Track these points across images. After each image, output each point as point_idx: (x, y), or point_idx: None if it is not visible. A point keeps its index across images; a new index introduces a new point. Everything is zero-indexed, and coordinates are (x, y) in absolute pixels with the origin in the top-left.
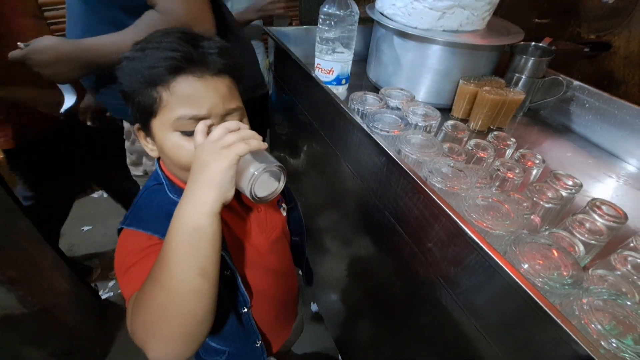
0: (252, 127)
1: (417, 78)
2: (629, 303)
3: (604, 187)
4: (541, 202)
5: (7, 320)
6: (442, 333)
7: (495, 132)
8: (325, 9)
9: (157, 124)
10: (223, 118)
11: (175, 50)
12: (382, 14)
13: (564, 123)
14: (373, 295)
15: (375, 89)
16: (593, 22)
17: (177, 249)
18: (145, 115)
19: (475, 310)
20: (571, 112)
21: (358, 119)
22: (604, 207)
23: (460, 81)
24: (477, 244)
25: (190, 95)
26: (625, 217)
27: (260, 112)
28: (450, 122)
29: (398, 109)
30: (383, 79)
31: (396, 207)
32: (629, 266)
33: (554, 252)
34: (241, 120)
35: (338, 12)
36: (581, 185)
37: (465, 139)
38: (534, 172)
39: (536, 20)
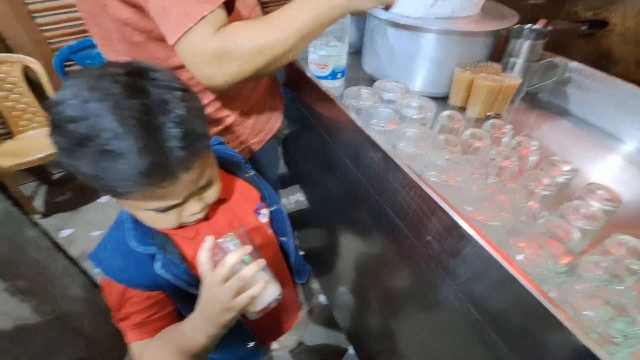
0: None
1: (413, 68)
2: (620, 287)
3: (602, 169)
4: (537, 190)
5: (23, 331)
6: (445, 322)
7: (491, 120)
8: None
9: (125, 202)
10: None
11: (141, 172)
12: None
13: (562, 106)
14: (379, 288)
15: (372, 81)
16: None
17: (190, 352)
18: (108, 194)
19: (475, 300)
20: (569, 94)
21: (353, 115)
22: (598, 192)
23: (456, 69)
24: (472, 236)
25: (164, 195)
26: (619, 200)
27: None
28: (445, 113)
29: (393, 102)
30: (379, 70)
31: (394, 201)
32: (623, 249)
33: (549, 240)
34: (213, 182)
35: None
36: (577, 170)
37: (461, 129)
38: (531, 159)
39: (531, 1)
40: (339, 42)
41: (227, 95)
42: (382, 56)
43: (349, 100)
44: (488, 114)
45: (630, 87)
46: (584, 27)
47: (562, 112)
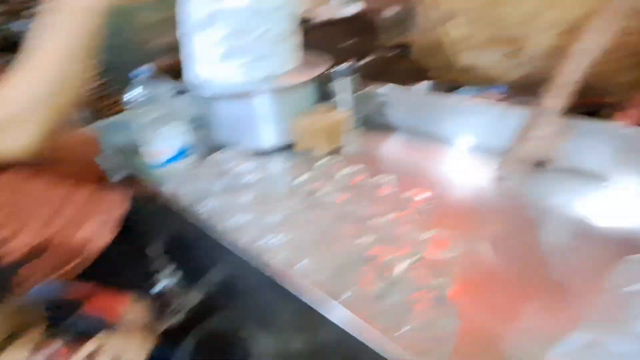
0: None
1: (255, 129)
2: None
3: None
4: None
5: None
6: None
7: (323, 160)
8: (134, 95)
9: None
10: None
11: None
12: (196, 84)
13: (393, 123)
14: None
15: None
16: (388, 31)
17: None
18: None
19: None
20: (394, 112)
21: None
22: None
23: (293, 119)
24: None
25: None
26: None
27: None
28: (277, 168)
29: (226, 173)
30: (225, 138)
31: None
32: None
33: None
34: None
35: (149, 94)
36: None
37: (305, 176)
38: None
39: (346, 43)
40: (175, 123)
41: None
42: (222, 126)
43: (176, 188)
44: (333, 147)
45: (435, 97)
46: (395, 52)
47: (394, 129)
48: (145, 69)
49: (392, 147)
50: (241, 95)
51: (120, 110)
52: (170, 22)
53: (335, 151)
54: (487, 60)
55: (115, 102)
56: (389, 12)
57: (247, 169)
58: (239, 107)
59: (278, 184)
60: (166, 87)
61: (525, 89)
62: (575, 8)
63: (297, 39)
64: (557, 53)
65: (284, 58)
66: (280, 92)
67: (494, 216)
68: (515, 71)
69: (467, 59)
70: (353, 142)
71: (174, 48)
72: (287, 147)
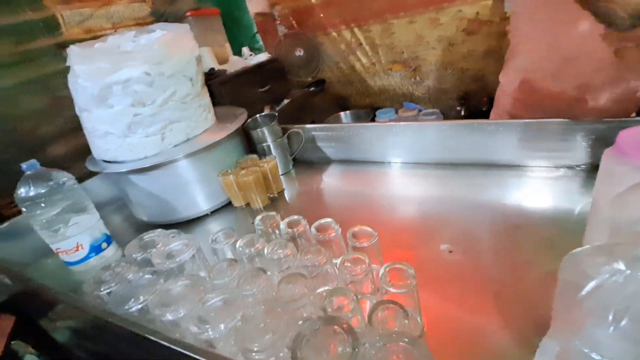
0: None
1: (181, 197)
2: None
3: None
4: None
5: None
6: None
7: (259, 216)
8: (23, 196)
9: None
10: None
11: None
12: (105, 162)
13: (323, 158)
14: None
15: (153, 226)
16: (299, 70)
17: None
18: None
19: None
20: (321, 147)
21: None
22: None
23: (218, 178)
24: None
25: None
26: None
27: None
28: (212, 237)
29: (149, 261)
30: (149, 214)
31: None
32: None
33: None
34: None
35: (42, 191)
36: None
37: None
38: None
39: (261, 90)
40: (82, 214)
41: None
42: (144, 203)
43: (90, 294)
44: (270, 195)
45: (350, 126)
46: (312, 89)
47: (327, 163)
48: (33, 162)
49: (328, 183)
50: (159, 165)
51: (18, 212)
52: (57, 105)
53: (272, 200)
54: (394, 81)
55: (7, 204)
56: (296, 54)
57: (178, 248)
58: (160, 178)
59: (215, 255)
60: (63, 176)
61: (431, 102)
62: (452, 26)
63: (206, 97)
64: (445, 67)
65: (197, 119)
66: (200, 153)
67: (443, 226)
68: (418, 87)
69: (378, 82)
70: (288, 186)
71: (66, 132)
72: (223, 207)
